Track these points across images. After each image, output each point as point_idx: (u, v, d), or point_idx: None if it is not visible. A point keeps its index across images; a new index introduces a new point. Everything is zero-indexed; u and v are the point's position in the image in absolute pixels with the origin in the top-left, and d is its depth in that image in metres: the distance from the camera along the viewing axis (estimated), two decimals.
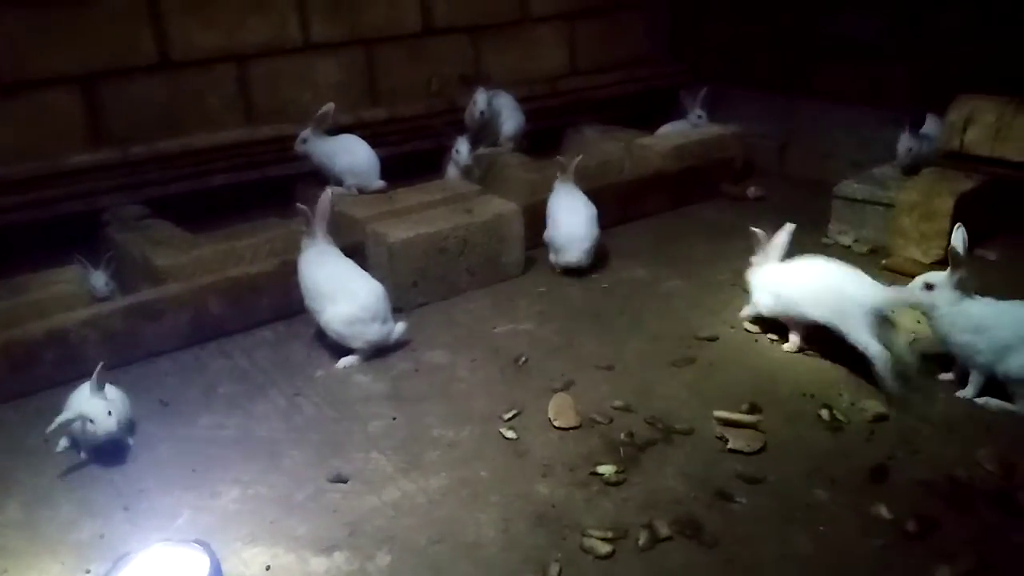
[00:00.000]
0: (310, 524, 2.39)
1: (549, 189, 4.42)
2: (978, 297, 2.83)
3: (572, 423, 2.81)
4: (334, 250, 3.36)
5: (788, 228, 3.29)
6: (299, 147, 4.31)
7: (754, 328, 3.39)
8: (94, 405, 2.64)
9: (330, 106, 4.24)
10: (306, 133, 4.29)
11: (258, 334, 3.50)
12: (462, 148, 4.63)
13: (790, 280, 3.17)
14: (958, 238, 2.83)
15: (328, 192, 3.41)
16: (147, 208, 4.16)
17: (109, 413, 2.65)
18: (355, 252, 3.63)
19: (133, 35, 4.22)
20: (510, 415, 2.86)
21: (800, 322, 3.18)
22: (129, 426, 2.83)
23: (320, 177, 4.36)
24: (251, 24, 4.54)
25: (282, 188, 4.50)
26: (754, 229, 3.33)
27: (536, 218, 4.12)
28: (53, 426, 2.61)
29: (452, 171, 4.68)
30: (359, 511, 2.43)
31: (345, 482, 2.55)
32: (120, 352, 3.24)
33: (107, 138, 4.23)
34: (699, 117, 5.34)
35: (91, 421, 2.62)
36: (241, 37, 4.53)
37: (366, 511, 2.43)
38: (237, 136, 4.52)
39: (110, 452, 2.70)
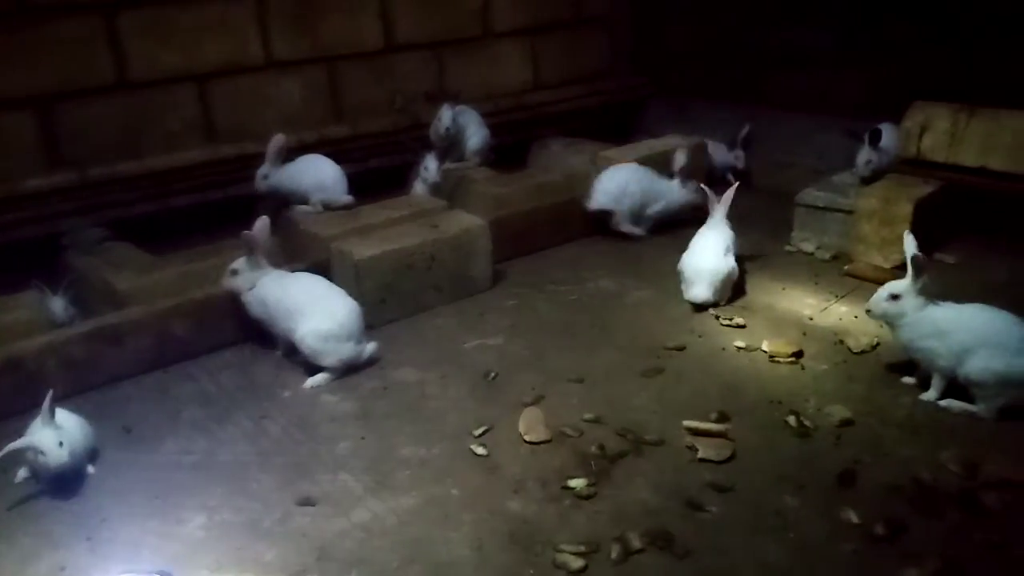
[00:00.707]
0: (278, 549, 2.35)
1: (515, 203, 4.44)
2: (939, 302, 2.88)
3: (543, 437, 2.80)
4: (284, 272, 3.36)
5: (734, 186, 3.89)
6: (261, 185, 4.25)
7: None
8: (44, 436, 2.57)
9: (280, 138, 4.21)
10: (264, 169, 4.24)
11: (223, 356, 3.45)
12: (431, 165, 4.63)
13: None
14: (909, 244, 2.88)
15: (265, 218, 3.37)
16: (107, 231, 4.10)
17: (60, 444, 2.57)
18: (320, 271, 3.60)
19: (90, 56, 4.17)
20: (480, 431, 2.84)
21: None
22: (91, 454, 2.77)
23: (283, 200, 4.33)
24: (211, 43, 4.51)
25: (246, 207, 4.44)
26: (702, 186, 3.94)
27: (503, 232, 4.12)
28: (1, 454, 2.54)
29: (419, 187, 4.67)
30: (328, 534, 2.39)
31: (313, 505, 2.52)
32: (81, 378, 3.18)
33: (65, 161, 4.16)
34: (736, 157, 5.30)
35: (42, 453, 2.55)
36: (201, 56, 4.49)
37: (335, 534, 2.39)
38: (198, 156, 4.48)
39: (70, 481, 2.64)
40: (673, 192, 4.51)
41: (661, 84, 6.13)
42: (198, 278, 3.56)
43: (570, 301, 3.85)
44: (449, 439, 2.82)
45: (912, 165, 4.22)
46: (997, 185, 3.99)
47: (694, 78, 5.88)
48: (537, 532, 2.36)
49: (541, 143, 5.56)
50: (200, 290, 3.48)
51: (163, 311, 3.38)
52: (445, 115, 4.77)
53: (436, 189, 4.61)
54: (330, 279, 3.54)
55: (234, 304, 3.44)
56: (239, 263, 3.35)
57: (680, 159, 4.49)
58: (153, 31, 4.31)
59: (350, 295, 3.37)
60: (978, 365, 2.74)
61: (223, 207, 4.47)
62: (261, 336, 3.44)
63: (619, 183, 4.42)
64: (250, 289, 3.34)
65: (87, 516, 2.52)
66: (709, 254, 3.66)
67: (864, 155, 4.28)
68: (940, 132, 4.11)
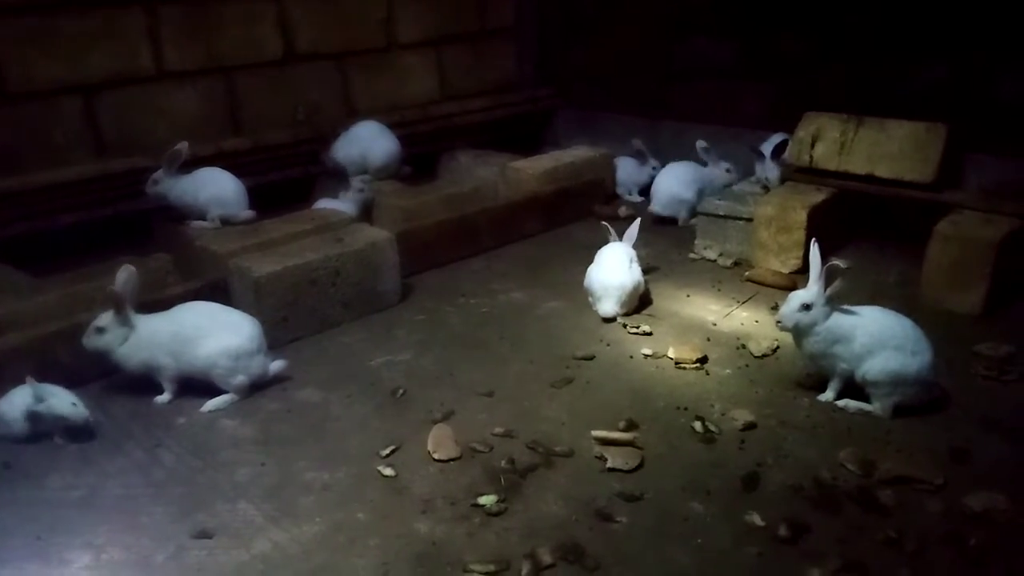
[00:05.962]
0: None
1: (424, 215, 4.40)
2: (841, 307, 2.92)
3: (452, 454, 2.74)
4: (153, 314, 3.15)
5: (636, 221, 3.95)
6: (151, 189, 4.11)
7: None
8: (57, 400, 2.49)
9: (183, 145, 4.06)
10: (157, 174, 4.09)
11: (113, 382, 3.25)
12: (361, 183, 4.61)
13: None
14: (815, 253, 2.95)
15: (127, 268, 3.04)
16: None
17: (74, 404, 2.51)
18: (218, 289, 3.46)
19: None
20: (388, 451, 2.77)
21: None
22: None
23: (177, 213, 4.16)
24: (98, 53, 4.30)
25: (138, 224, 4.25)
26: (604, 223, 3.98)
27: (412, 245, 4.06)
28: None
29: (328, 202, 4.55)
30: (226, 568, 2.27)
31: (210, 537, 2.39)
32: None
33: None
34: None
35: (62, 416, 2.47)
36: (87, 67, 4.28)
37: (234, 567, 2.27)
38: (85, 171, 4.25)
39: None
40: (718, 178, 4.88)
41: (568, 96, 6.19)
42: (84, 300, 3.35)
43: (480, 314, 3.82)
44: (355, 461, 2.73)
45: (806, 173, 4.37)
46: (884, 191, 4.17)
47: (600, 90, 5.97)
48: (445, 553, 2.30)
49: (450, 155, 5.52)
50: (86, 313, 3.27)
51: (45, 336, 3.17)
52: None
53: (367, 205, 4.55)
54: (228, 298, 3.41)
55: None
56: (105, 320, 3.03)
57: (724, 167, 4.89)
58: (33, 40, 4.07)
59: (250, 314, 3.24)
60: (877, 366, 2.83)
61: (113, 225, 4.26)
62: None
63: (672, 194, 4.68)
64: (121, 344, 3.07)
65: None
66: (615, 268, 3.68)
67: (774, 169, 4.42)
68: (831, 141, 4.28)
